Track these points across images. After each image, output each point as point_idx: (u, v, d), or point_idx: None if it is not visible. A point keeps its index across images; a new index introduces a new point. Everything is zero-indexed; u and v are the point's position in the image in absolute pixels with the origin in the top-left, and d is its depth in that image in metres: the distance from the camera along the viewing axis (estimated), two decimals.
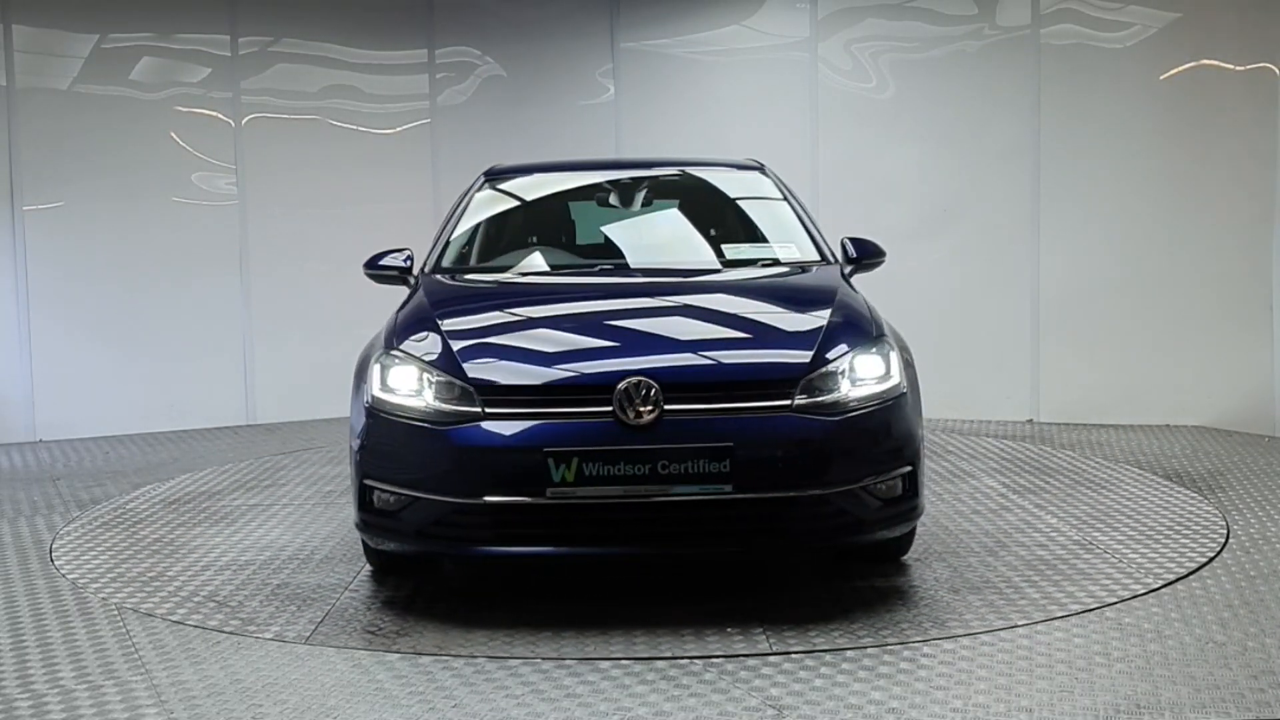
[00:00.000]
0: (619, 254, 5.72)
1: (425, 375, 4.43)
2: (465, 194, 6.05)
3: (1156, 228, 8.13)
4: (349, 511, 4.66)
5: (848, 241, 5.56)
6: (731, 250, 5.67)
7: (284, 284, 9.30)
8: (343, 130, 9.52)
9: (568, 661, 3.96)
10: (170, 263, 8.97)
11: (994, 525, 5.59)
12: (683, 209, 6.11)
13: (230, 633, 4.34)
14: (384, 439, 4.46)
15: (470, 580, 4.99)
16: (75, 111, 8.75)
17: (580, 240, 6.01)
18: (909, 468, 4.48)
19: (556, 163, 6.77)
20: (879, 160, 8.95)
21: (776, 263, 5.54)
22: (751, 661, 3.92)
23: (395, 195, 9.54)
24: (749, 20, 9.50)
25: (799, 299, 4.99)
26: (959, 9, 8.69)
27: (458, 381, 4.36)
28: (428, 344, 4.56)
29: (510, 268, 5.62)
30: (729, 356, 4.51)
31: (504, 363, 4.45)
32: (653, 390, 4.21)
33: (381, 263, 5.51)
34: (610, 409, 4.20)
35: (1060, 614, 4.30)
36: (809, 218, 5.88)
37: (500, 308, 5.05)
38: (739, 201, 6.08)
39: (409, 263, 5.50)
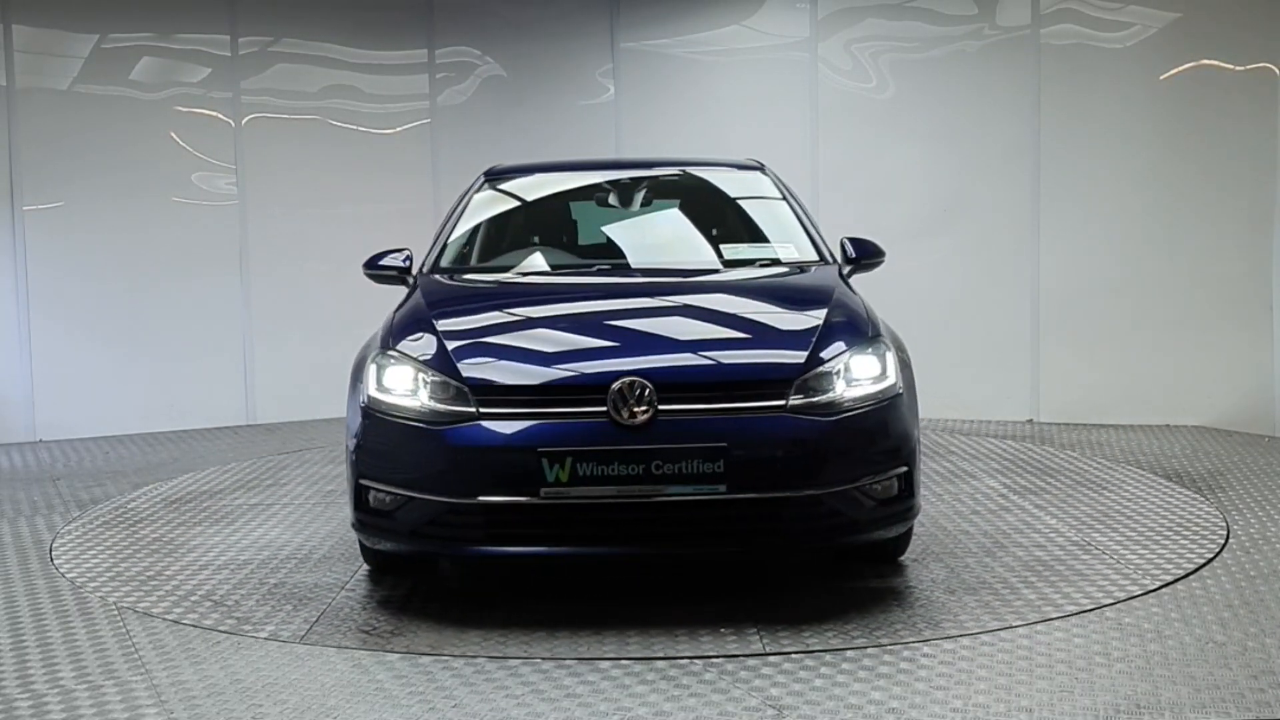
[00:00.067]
0: (617, 254, 5.72)
1: (420, 375, 4.43)
2: (465, 194, 6.05)
3: (1156, 228, 8.13)
4: (348, 511, 4.66)
5: (847, 241, 5.56)
6: (730, 250, 5.67)
7: (284, 284, 9.30)
8: (343, 130, 9.52)
9: (568, 661, 3.96)
10: (170, 263, 8.98)
11: (993, 526, 5.59)
12: (682, 209, 6.10)
13: (225, 632, 4.35)
14: (379, 439, 4.46)
15: (467, 580, 4.99)
16: (75, 111, 8.76)
17: (579, 240, 6.01)
18: (905, 468, 4.47)
19: (557, 163, 6.77)
20: (879, 160, 8.95)
21: (775, 263, 5.54)
22: (751, 662, 3.92)
23: (395, 195, 9.54)
24: (749, 20, 9.50)
25: (795, 299, 4.98)
26: (959, 9, 8.69)
27: (452, 381, 4.36)
28: (423, 344, 4.56)
29: (508, 268, 5.62)
30: (723, 356, 4.51)
31: (499, 363, 4.45)
32: (647, 390, 4.21)
33: (381, 263, 5.52)
34: (605, 409, 4.20)
35: (1056, 615, 4.30)
36: (808, 218, 5.87)
37: (497, 308, 5.06)
38: (738, 202, 6.08)
39: (408, 263, 5.50)
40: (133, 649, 4.17)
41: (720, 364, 4.46)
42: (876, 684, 3.71)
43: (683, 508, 4.21)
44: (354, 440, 4.56)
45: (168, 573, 5.14)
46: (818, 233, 5.74)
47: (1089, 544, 5.22)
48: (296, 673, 3.92)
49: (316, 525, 5.91)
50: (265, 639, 4.27)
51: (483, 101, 9.86)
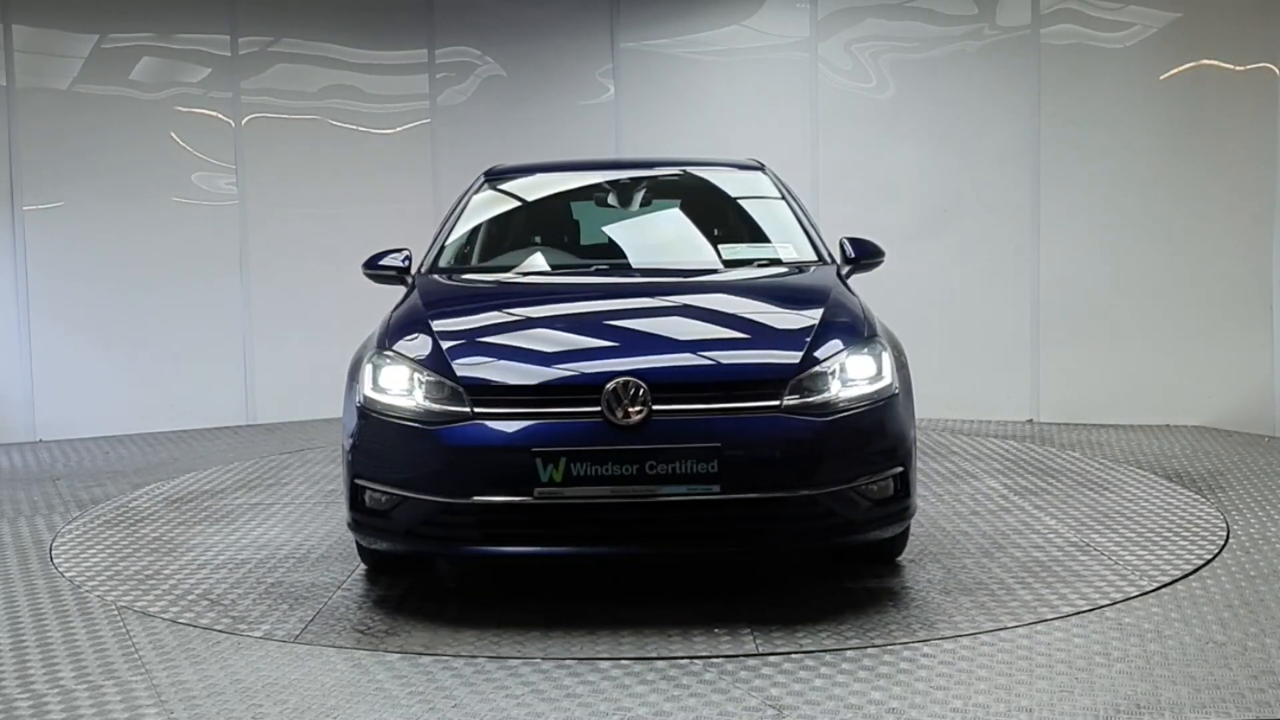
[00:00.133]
0: (616, 254, 5.72)
1: (416, 375, 4.43)
2: (464, 194, 6.06)
3: (1156, 228, 8.13)
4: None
5: (846, 241, 5.56)
6: (728, 250, 5.67)
7: (284, 284, 9.30)
8: (343, 130, 9.52)
9: (568, 662, 3.96)
10: (170, 263, 8.97)
11: (991, 527, 5.59)
12: (681, 209, 6.10)
13: (221, 631, 4.35)
14: (375, 439, 4.47)
15: (464, 580, 4.99)
16: (75, 111, 8.76)
17: (577, 240, 6.01)
18: (900, 468, 4.47)
19: (557, 163, 6.77)
20: (879, 160, 8.95)
21: (773, 263, 5.54)
22: (751, 662, 3.92)
23: (395, 195, 9.54)
24: (749, 20, 9.50)
25: (792, 299, 4.98)
26: (959, 9, 8.69)
27: (447, 381, 4.37)
28: (419, 344, 4.57)
29: (506, 268, 5.63)
30: (718, 357, 4.51)
31: (493, 362, 4.46)
32: (641, 390, 4.21)
33: (380, 263, 5.52)
34: (599, 409, 4.20)
35: (1052, 616, 4.29)
36: (808, 218, 5.87)
37: (493, 308, 5.06)
38: (737, 202, 6.08)
39: (407, 263, 5.51)
40: (133, 649, 4.17)
41: (714, 364, 4.46)
42: (876, 684, 3.71)
43: (677, 508, 4.20)
44: (350, 440, 4.56)
45: (166, 572, 5.14)
46: (817, 233, 5.74)
47: (1087, 545, 5.21)
48: (296, 673, 3.92)
49: (316, 525, 5.91)
50: (260, 638, 4.27)
51: (483, 101, 9.86)
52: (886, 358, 4.57)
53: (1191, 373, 8.05)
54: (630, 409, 4.19)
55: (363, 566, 5.08)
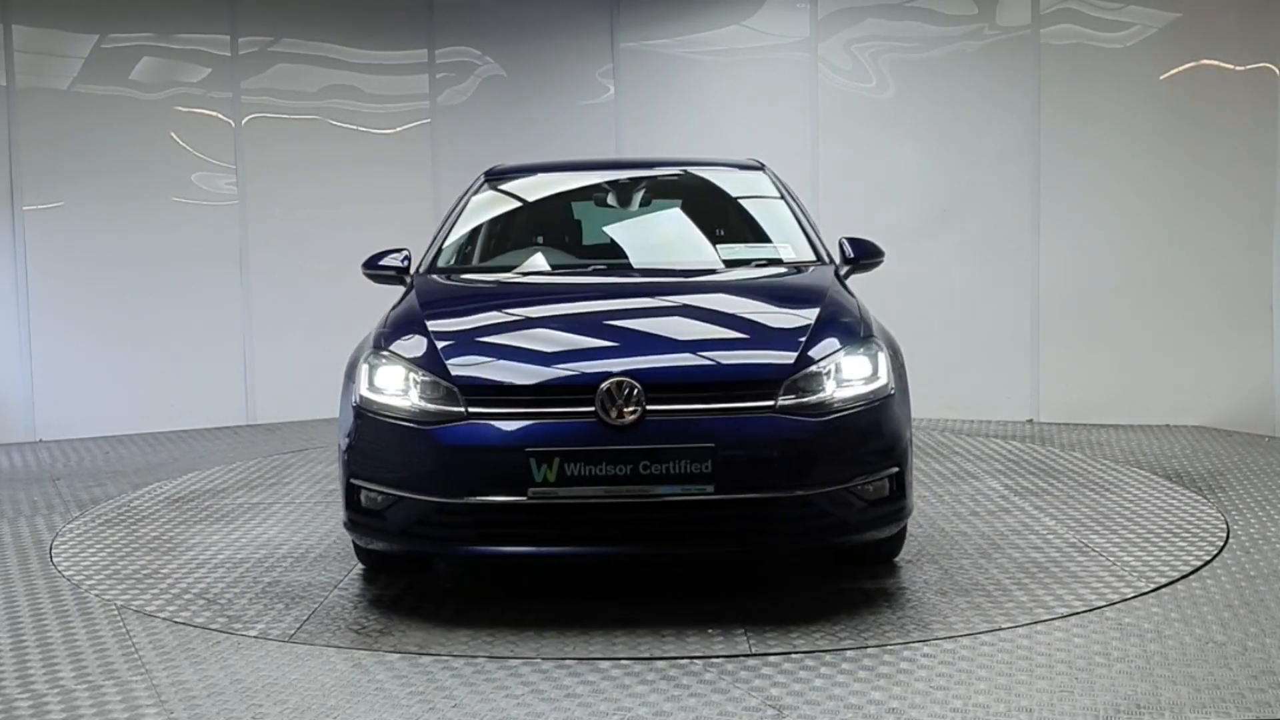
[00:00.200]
0: (615, 254, 5.72)
1: (411, 375, 4.44)
2: (464, 194, 6.06)
3: (1156, 228, 8.13)
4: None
5: (845, 241, 5.56)
6: (727, 250, 5.67)
7: (284, 284, 9.30)
8: (343, 130, 9.52)
9: (568, 661, 3.96)
10: (170, 263, 8.98)
11: (990, 527, 5.58)
12: (680, 209, 6.10)
13: (216, 630, 4.35)
14: (371, 439, 4.47)
15: (460, 580, 4.99)
16: (75, 111, 8.76)
17: (576, 240, 6.01)
18: (896, 469, 4.46)
19: (557, 163, 6.77)
20: (879, 160, 8.95)
21: (772, 263, 5.54)
22: (751, 662, 3.92)
23: (395, 195, 9.54)
24: (749, 20, 9.50)
25: (789, 299, 4.98)
26: (959, 9, 8.69)
27: (442, 381, 4.37)
28: (414, 344, 4.57)
29: (505, 268, 5.64)
30: (713, 357, 4.50)
31: (488, 363, 4.46)
32: (635, 390, 4.20)
33: (380, 263, 5.53)
34: (593, 409, 4.20)
35: (1048, 617, 4.28)
36: (807, 218, 5.87)
37: (489, 308, 5.07)
38: (736, 202, 6.08)
39: (406, 263, 5.51)
40: (133, 649, 4.17)
41: (709, 364, 4.45)
42: (876, 684, 3.71)
43: (671, 508, 4.20)
44: (346, 440, 4.57)
45: (164, 571, 5.15)
46: (816, 233, 5.74)
47: (1086, 546, 5.21)
48: (296, 673, 3.93)
49: (315, 524, 5.91)
50: (255, 637, 4.27)
51: (483, 101, 9.86)
52: (882, 358, 4.56)
53: (1191, 373, 8.05)
54: (624, 409, 4.19)
55: (360, 566, 5.08)
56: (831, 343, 4.49)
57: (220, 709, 3.63)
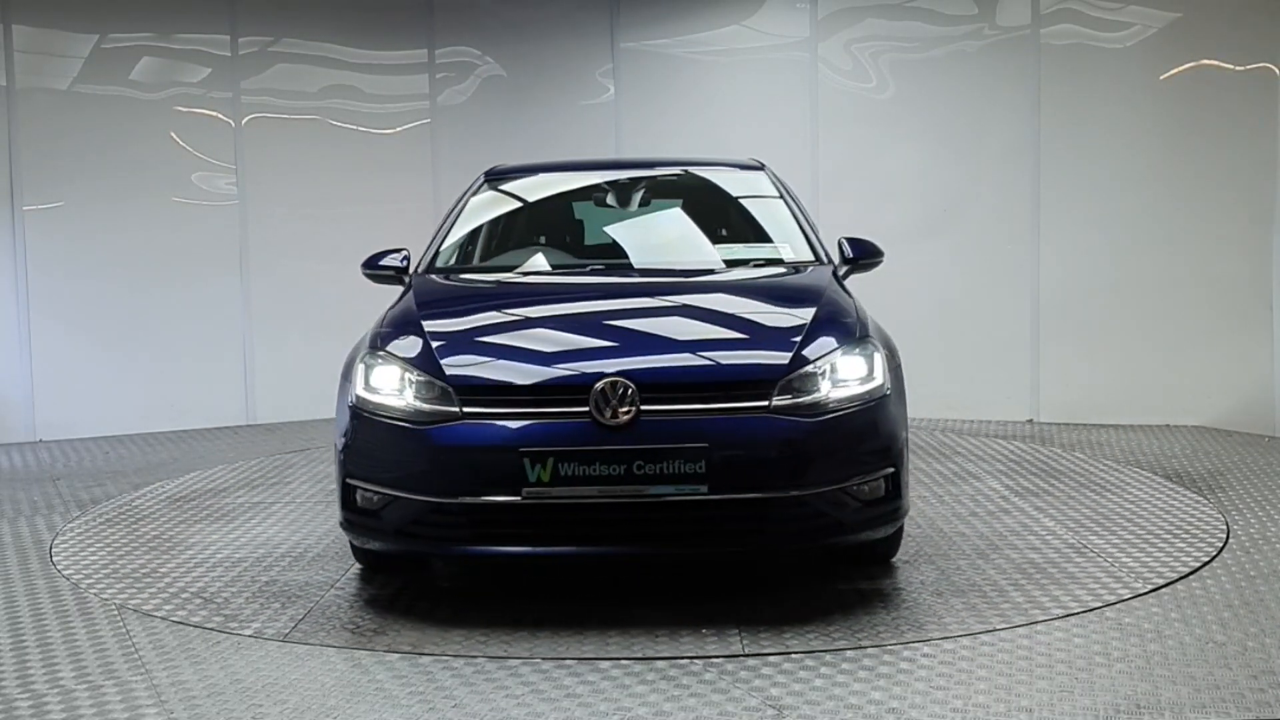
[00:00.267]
0: (613, 254, 5.72)
1: (406, 375, 4.44)
2: (464, 194, 6.06)
3: (1156, 228, 8.13)
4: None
5: (845, 241, 5.56)
6: (725, 250, 5.67)
7: (284, 284, 9.30)
8: (343, 130, 9.52)
9: (568, 661, 3.97)
10: (170, 263, 8.98)
11: (989, 528, 5.58)
12: (679, 209, 6.10)
13: (211, 629, 4.36)
14: (366, 438, 4.48)
15: (457, 579, 4.99)
16: (75, 111, 8.76)
17: (575, 240, 6.01)
18: (891, 469, 4.45)
19: (557, 163, 6.77)
20: (879, 160, 8.95)
21: (770, 263, 5.54)
22: (751, 661, 3.92)
23: (395, 195, 9.54)
24: (749, 20, 9.50)
25: (785, 299, 4.97)
26: (959, 9, 8.69)
27: (437, 381, 4.37)
28: (410, 344, 4.57)
29: (503, 268, 5.64)
30: (707, 357, 4.49)
31: (482, 362, 4.46)
32: (629, 390, 4.20)
33: (380, 263, 5.54)
34: (587, 409, 4.20)
35: (1043, 618, 4.27)
36: (806, 218, 5.87)
37: (486, 308, 5.07)
38: (735, 202, 6.08)
39: (406, 263, 5.52)
40: (133, 649, 4.17)
41: (703, 364, 4.45)
42: (876, 684, 3.71)
43: (665, 508, 4.20)
44: (342, 439, 4.57)
45: (162, 570, 5.15)
46: (815, 233, 5.74)
47: (1084, 547, 5.21)
48: (296, 673, 3.93)
49: (315, 524, 5.91)
50: (250, 636, 4.28)
51: (483, 101, 9.86)
52: (878, 358, 4.55)
53: (1191, 373, 8.05)
54: (619, 409, 4.19)
55: (357, 566, 5.08)
56: (827, 343, 4.49)
57: (220, 709, 3.63)
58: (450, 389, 4.33)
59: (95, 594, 4.83)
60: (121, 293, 8.85)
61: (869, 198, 8.84)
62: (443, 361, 4.41)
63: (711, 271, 5.42)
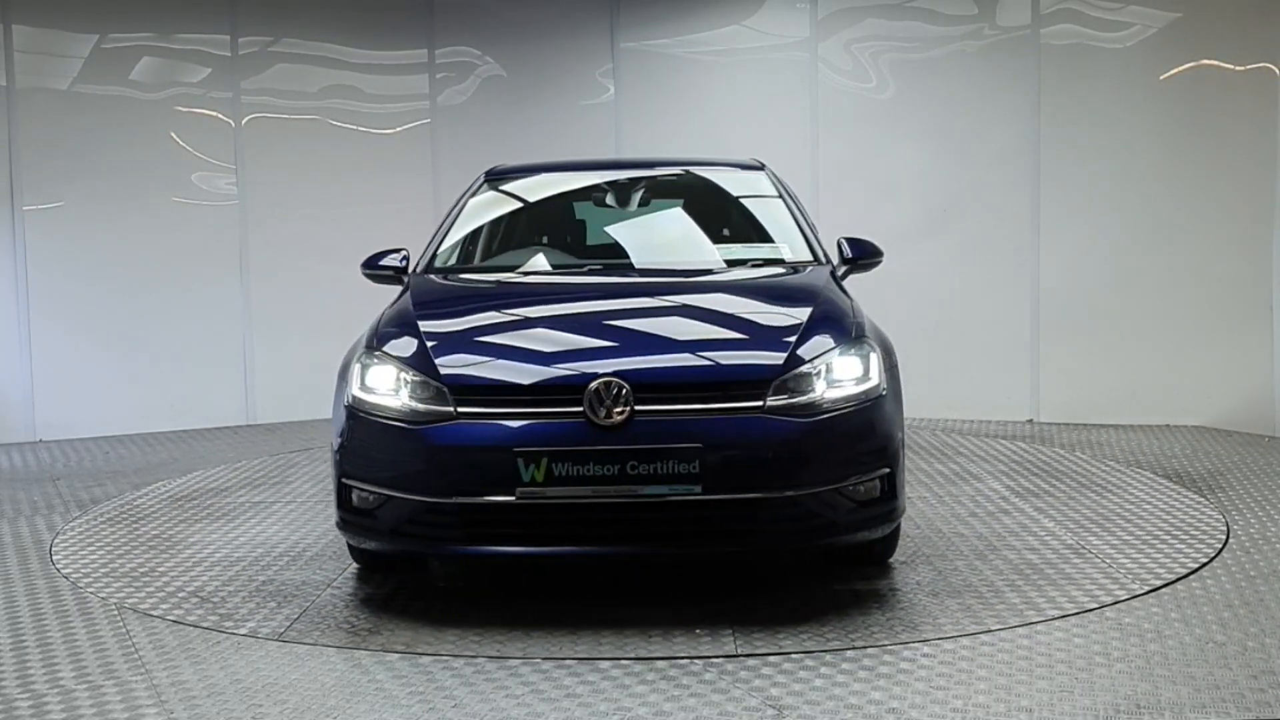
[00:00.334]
0: (613, 254, 5.72)
1: (402, 375, 4.44)
2: (464, 194, 6.07)
3: (1156, 228, 8.13)
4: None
5: (844, 241, 5.56)
6: (723, 251, 5.67)
7: (284, 284, 9.30)
8: (343, 130, 9.52)
9: (568, 661, 3.97)
10: (170, 263, 8.98)
11: (988, 529, 5.57)
12: (677, 210, 6.10)
13: (207, 628, 4.36)
14: (362, 438, 4.48)
15: (454, 579, 4.99)
16: (75, 111, 8.75)
17: (574, 241, 6.01)
18: (887, 469, 4.44)
19: (557, 163, 6.77)
20: (879, 160, 8.95)
21: (768, 263, 5.54)
22: (751, 661, 3.92)
23: (395, 195, 9.54)
24: (749, 20, 9.50)
25: (781, 299, 4.97)
26: (959, 9, 8.69)
27: (432, 381, 4.37)
28: (405, 344, 4.58)
29: (501, 268, 5.64)
30: (702, 357, 4.49)
31: (477, 362, 4.47)
32: (623, 391, 4.20)
33: (379, 263, 5.56)
34: (581, 409, 4.20)
35: (1037, 619, 4.27)
36: (805, 218, 5.87)
37: (482, 308, 5.08)
38: (734, 202, 6.08)
39: (405, 263, 5.53)
40: (133, 649, 4.17)
41: (697, 364, 4.45)
42: (876, 684, 3.71)
43: (659, 508, 4.20)
44: (338, 439, 4.58)
45: (161, 569, 5.16)
46: (814, 233, 5.74)
47: (1083, 548, 5.20)
48: (296, 673, 3.93)
49: (314, 523, 5.91)
50: (244, 635, 4.28)
51: (483, 101, 9.86)
52: (874, 358, 4.54)
53: (1191, 373, 8.05)
54: (613, 409, 4.19)
55: (355, 565, 5.09)
56: (822, 343, 4.49)
57: (220, 709, 3.63)
58: (445, 389, 4.33)
59: (95, 594, 4.83)
60: (121, 293, 8.85)
61: (869, 198, 8.84)
62: (438, 361, 4.42)
63: (710, 271, 5.42)
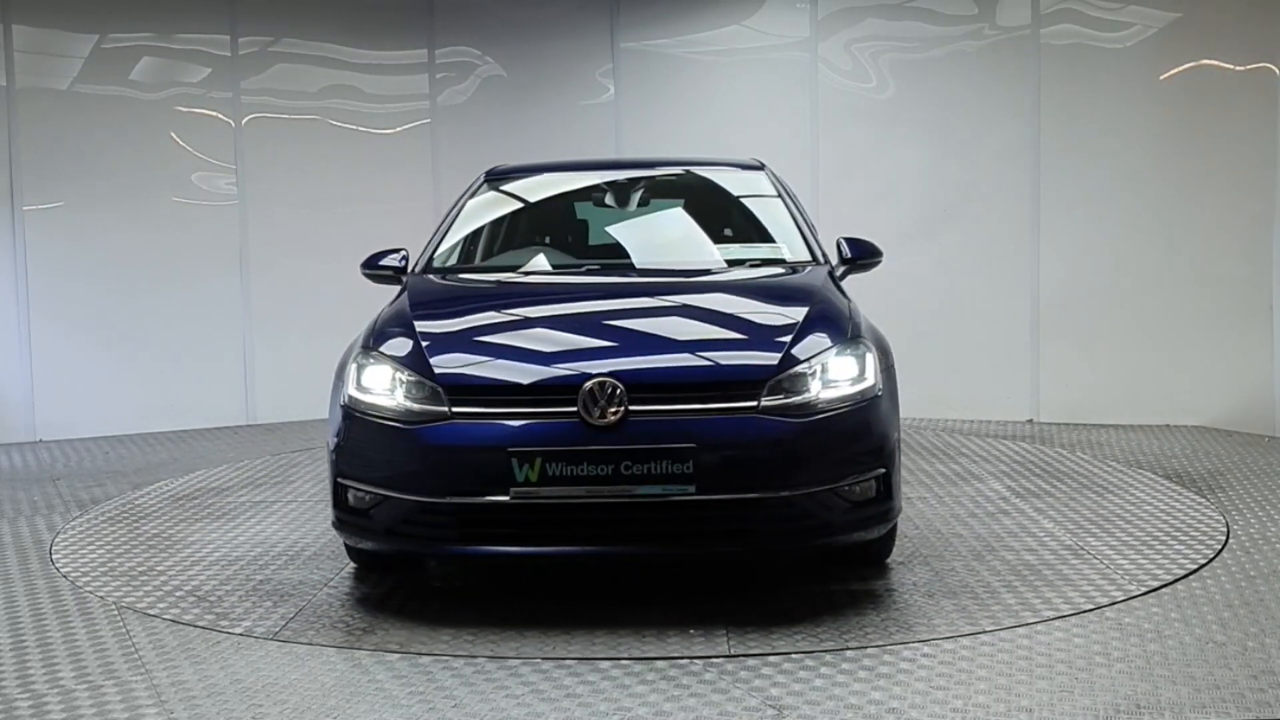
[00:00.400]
0: (612, 255, 5.72)
1: (397, 375, 4.45)
2: (464, 194, 6.07)
3: (1156, 228, 8.13)
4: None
5: (843, 241, 5.55)
6: (725, 250, 5.67)
7: (284, 284, 9.30)
8: (343, 130, 9.52)
9: (568, 661, 3.97)
10: (170, 263, 8.98)
11: (987, 529, 5.57)
12: (679, 209, 6.10)
13: (204, 628, 4.36)
14: (358, 438, 4.49)
15: (450, 579, 4.99)
16: (75, 111, 8.76)
17: (574, 241, 6.01)
18: (882, 470, 4.44)
19: (558, 163, 6.77)
20: (879, 160, 8.95)
21: (766, 263, 5.53)
22: (751, 661, 3.92)
23: (395, 195, 9.54)
24: (749, 20, 9.50)
25: (777, 299, 4.96)
26: (959, 9, 8.69)
27: (426, 381, 4.37)
28: (401, 344, 4.58)
29: (500, 268, 5.65)
30: (696, 357, 4.49)
31: (472, 362, 4.47)
32: (618, 391, 4.20)
33: (379, 263, 5.56)
34: (575, 409, 4.20)
35: (1033, 620, 4.26)
36: (805, 218, 5.86)
37: (479, 308, 5.08)
38: (734, 202, 6.08)
39: (404, 263, 5.53)
40: (133, 649, 4.17)
41: (691, 365, 4.44)
42: (876, 684, 3.71)
43: (653, 508, 4.19)
44: (334, 439, 4.58)
45: (159, 568, 5.16)
46: (813, 234, 5.73)
47: (1082, 548, 5.20)
48: (296, 673, 3.93)
49: (314, 523, 5.91)
50: (240, 634, 4.28)
51: (483, 101, 9.86)
52: (870, 359, 4.54)
53: (1191, 373, 8.05)
54: (607, 409, 4.19)
55: (352, 565, 5.09)
56: (817, 343, 4.48)
57: (220, 709, 3.63)
58: (440, 389, 4.34)
59: (95, 593, 4.83)
60: (121, 293, 8.85)
61: (869, 198, 8.84)
62: (432, 361, 4.42)
63: (709, 271, 5.42)
